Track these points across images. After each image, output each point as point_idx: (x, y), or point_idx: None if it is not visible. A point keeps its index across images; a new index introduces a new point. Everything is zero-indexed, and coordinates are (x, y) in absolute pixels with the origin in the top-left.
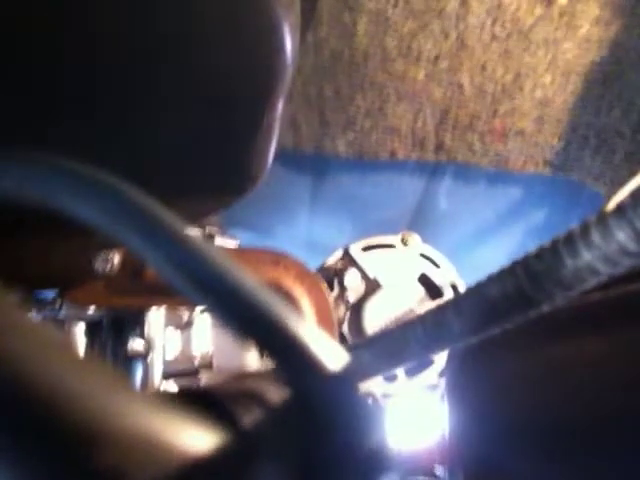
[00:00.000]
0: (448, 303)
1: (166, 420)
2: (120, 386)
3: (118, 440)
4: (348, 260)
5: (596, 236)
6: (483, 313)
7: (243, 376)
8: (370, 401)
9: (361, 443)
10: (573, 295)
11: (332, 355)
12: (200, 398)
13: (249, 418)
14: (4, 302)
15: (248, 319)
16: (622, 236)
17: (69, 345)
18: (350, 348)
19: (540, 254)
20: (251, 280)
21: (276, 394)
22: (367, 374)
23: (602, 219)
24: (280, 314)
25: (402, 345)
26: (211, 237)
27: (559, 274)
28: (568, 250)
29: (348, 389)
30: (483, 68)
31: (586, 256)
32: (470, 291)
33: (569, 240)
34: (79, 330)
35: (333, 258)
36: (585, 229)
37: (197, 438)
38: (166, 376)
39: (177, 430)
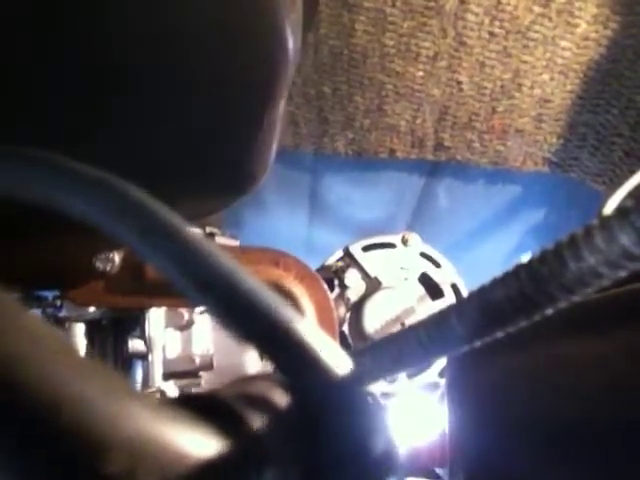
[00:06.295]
0: (451, 307)
1: (173, 425)
2: (127, 391)
3: (127, 445)
4: (348, 260)
5: (599, 240)
6: (486, 317)
7: (248, 379)
8: (370, 401)
9: (367, 447)
10: (576, 299)
11: (336, 358)
12: (206, 402)
13: (255, 422)
14: (7, 303)
15: (250, 321)
16: (626, 240)
17: (74, 348)
18: (354, 352)
19: (543, 258)
20: (253, 280)
21: (282, 398)
22: (371, 378)
23: (605, 222)
24: (283, 316)
25: (405, 350)
26: (211, 236)
27: (563, 278)
28: (572, 254)
29: (353, 393)
30: (482, 66)
31: (590, 260)
32: (473, 295)
33: (573, 244)
34: (79, 330)
35: (333, 258)
36: (588, 233)
37: (204, 442)
38: (166, 376)
39: (185, 435)
